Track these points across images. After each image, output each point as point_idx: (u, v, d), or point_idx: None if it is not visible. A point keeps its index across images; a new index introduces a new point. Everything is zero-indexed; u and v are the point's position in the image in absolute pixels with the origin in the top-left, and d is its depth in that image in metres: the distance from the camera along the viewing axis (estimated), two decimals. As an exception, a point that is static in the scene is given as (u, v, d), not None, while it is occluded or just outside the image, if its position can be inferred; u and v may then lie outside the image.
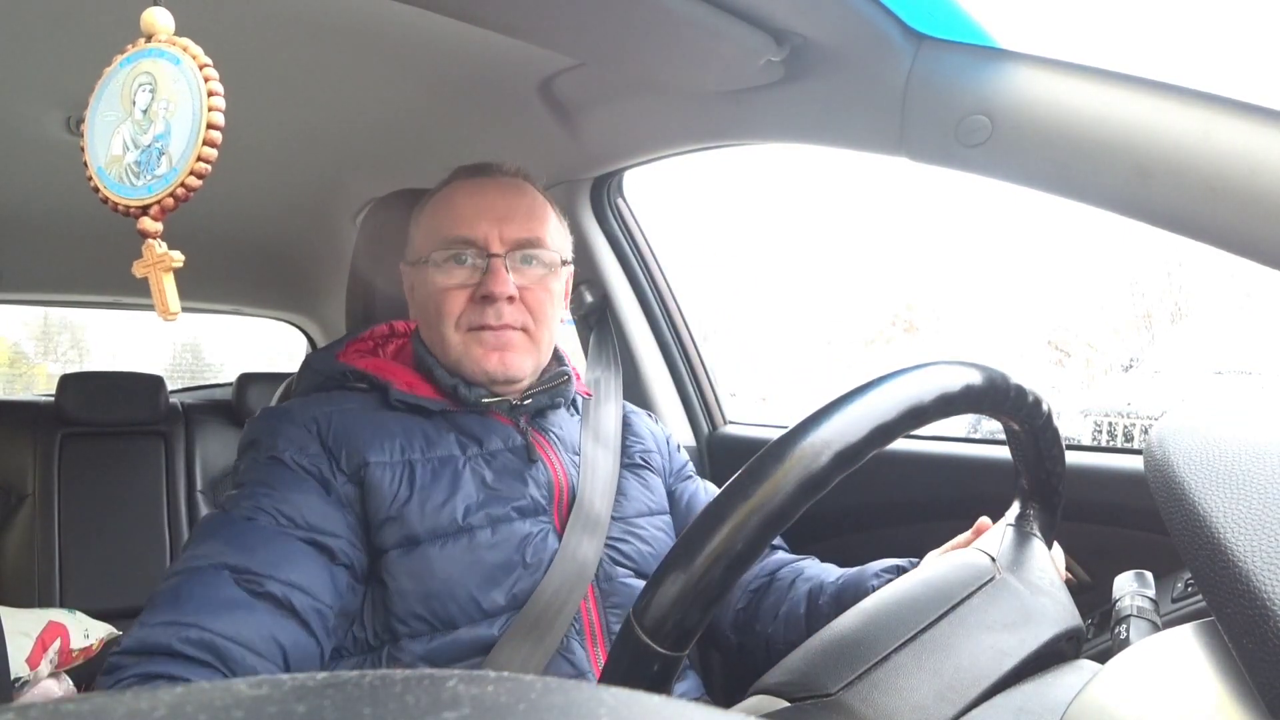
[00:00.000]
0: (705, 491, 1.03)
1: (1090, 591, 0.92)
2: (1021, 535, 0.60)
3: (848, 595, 0.84)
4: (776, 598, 0.91)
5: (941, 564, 0.54)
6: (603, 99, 1.14)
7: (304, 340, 2.53)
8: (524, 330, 0.87)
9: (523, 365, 0.87)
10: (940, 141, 0.81)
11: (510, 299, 0.85)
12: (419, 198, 0.99)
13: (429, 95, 1.19)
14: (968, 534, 0.76)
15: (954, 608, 0.48)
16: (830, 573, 0.90)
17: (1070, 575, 0.59)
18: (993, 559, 0.54)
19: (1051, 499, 0.61)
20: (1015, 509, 0.63)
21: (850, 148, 0.94)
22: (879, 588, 0.80)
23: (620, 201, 1.43)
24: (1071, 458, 0.64)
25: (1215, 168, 0.64)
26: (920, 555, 0.81)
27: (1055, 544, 0.67)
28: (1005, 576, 0.52)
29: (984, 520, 0.74)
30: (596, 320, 1.38)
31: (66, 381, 1.99)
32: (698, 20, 0.79)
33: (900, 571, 0.82)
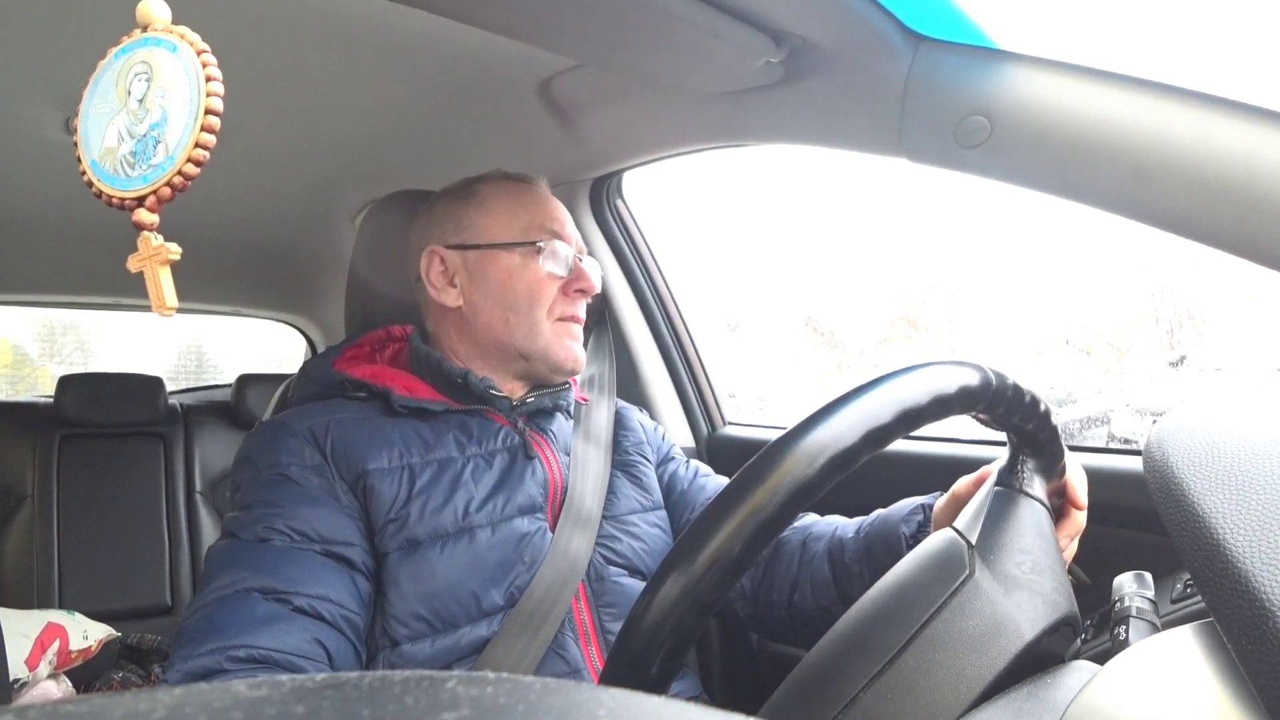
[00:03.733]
0: (685, 468, 1.03)
1: (1089, 592, 0.92)
2: (1009, 498, 0.55)
3: (878, 548, 0.82)
4: (789, 563, 0.90)
5: (918, 561, 0.51)
6: (602, 100, 1.14)
7: (304, 342, 2.53)
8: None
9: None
10: (939, 142, 0.81)
11: None
12: (418, 200, 0.98)
13: (428, 97, 1.19)
14: (987, 469, 0.70)
15: (922, 628, 0.46)
16: (844, 526, 0.88)
17: (1071, 576, 0.56)
18: (970, 545, 0.51)
19: (1045, 443, 0.56)
20: (1003, 461, 0.58)
21: (849, 149, 0.94)
22: (909, 535, 0.80)
23: (620, 202, 1.43)
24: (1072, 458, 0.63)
25: (1215, 168, 0.64)
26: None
27: (1077, 468, 0.64)
28: (979, 575, 0.49)
29: (988, 468, 0.70)
30: (595, 321, 1.38)
31: (66, 383, 1.98)
32: (697, 21, 0.79)
33: (925, 511, 0.81)
